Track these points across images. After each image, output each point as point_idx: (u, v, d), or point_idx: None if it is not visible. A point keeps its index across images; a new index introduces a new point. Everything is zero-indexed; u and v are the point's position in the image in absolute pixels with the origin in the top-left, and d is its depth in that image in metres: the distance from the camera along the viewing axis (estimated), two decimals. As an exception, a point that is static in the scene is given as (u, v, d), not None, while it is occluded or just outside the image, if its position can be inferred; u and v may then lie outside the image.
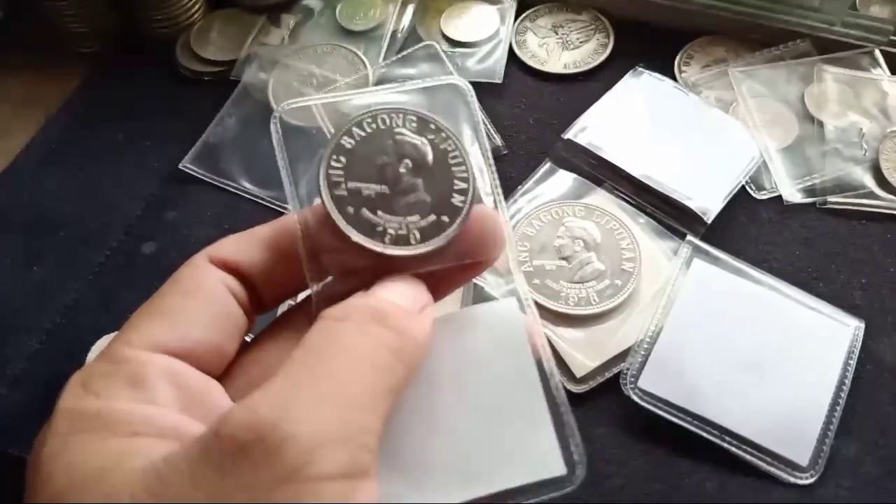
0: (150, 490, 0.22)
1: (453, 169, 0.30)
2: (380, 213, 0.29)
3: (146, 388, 0.25)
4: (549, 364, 0.29)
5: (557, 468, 0.28)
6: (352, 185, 0.29)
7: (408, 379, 0.27)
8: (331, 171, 0.29)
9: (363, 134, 0.29)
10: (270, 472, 0.21)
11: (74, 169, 0.54)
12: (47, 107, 0.58)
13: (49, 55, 0.61)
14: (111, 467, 0.23)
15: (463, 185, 0.29)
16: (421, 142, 0.30)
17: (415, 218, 0.29)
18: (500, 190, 0.31)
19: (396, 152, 0.30)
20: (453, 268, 0.29)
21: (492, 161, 0.31)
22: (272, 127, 0.31)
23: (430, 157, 0.30)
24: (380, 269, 0.29)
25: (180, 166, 0.53)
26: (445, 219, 0.29)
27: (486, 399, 0.29)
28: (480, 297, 0.36)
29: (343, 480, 0.22)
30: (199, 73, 0.58)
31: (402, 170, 0.29)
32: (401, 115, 0.30)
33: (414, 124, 0.30)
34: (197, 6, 0.60)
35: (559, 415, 0.29)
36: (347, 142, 0.29)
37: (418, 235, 0.29)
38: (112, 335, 0.44)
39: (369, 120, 0.30)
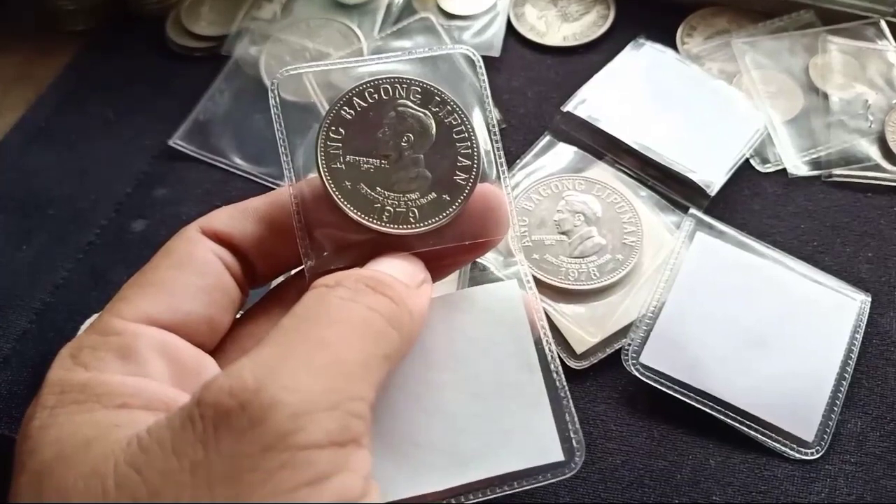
0: (132, 461, 0.21)
1: (457, 145, 0.29)
2: (378, 188, 0.28)
3: (136, 360, 0.25)
4: (550, 347, 0.29)
5: (555, 454, 0.28)
6: (350, 158, 0.28)
7: (404, 348, 0.26)
8: (329, 143, 0.28)
9: (364, 105, 0.29)
10: (254, 439, 0.21)
11: (65, 147, 0.53)
12: (37, 85, 0.57)
13: (39, 33, 0.60)
14: (97, 438, 0.22)
15: (467, 163, 0.28)
16: (424, 114, 0.29)
17: (415, 195, 0.28)
18: (505, 168, 0.30)
19: (398, 125, 0.29)
20: (454, 247, 0.29)
21: (498, 137, 0.30)
22: (270, 94, 0.30)
23: (433, 131, 0.29)
24: (377, 246, 0.28)
25: (171, 143, 0.52)
26: (447, 197, 0.28)
27: (484, 381, 0.28)
28: (480, 276, 0.35)
29: (332, 448, 0.21)
30: (189, 48, 0.57)
31: (403, 144, 0.29)
32: (405, 86, 0.29)
33: (418, 96, 0.29)
34: (188, -19, 0.59)
35: (558, 399, 0.29)
36: (347, 112, 0.29)
37: (417, 213, 0.28)
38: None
39: (371, 90, 0.29)
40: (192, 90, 0.54)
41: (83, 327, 0.44)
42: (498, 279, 0.32)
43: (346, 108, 0.29)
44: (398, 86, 0.29)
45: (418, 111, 0.29)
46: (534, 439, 0.28)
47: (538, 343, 0.29)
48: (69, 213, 0.50)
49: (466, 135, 0.29)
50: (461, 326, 0.29)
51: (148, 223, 0.49)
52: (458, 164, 0.29)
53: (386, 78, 0.29)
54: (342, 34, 0.55)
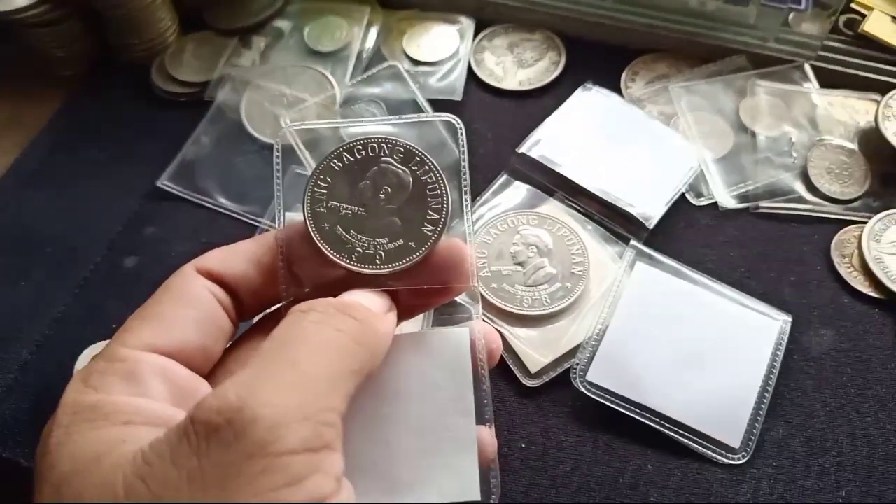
0: (137, 472, 0.24)
1: (429, 200, 0.32)
2: (353, 231, 0.31)
3: (140, 382, 0.28)
4: (487, 394, 0.32)
5: (474, 494, 0.31)
6: (332, 203, 0.32)
7: (369, 363, 0.29)
8: (316, 189, 0.32)
9: (352, 159, 0.32)
10: (239, 449, 0.24)
11: (57, 188, 0.56)
12: (28, 129, 0.60)
13: (31, 79, 0.63)
14: (106, 453, 0.26)
15: (436, 216, 0.32)
16: (404, 171, 0.32)
17: (384, 240, 0.31)
18: (472, 227, 0.33)
19: (379, 179, 0.32)
20: (419, 293, 0.32)
21: (469, 199, 0.33)
22: (275, 148, 0.33)
23: (409, 186, 0.32)
24: (349, 284, 0.31)
25: (158, 184, 0.55)
26: (412, 244, 0.31)
27: (424, 419, 0.31)
28: (445, 314, 0.39)
29: (307, 454, 0.25)
30: (174, 94, 0.61)
31: (380, 195, 0.32)
32: (390, 146, 0.32)
33: (401, 155, 0.32)
34: (171, 30, 0.63)
35: (486, 445, 0.32)
36: (336, 164, 0.32)
37: (384, 256, 0.31)
38: (99, 345, 0.47)
39: (360, 147, 0.32)
40: (178, 134, 0.57)
41: (81, 358, 0.47)
42: (458, 318, 0.35)
43: (336, 160, 0.32)
44: (384, 145, 0.32)
45: (399, 168, 0.32)
46: (458, 478, 0.31)
47: (478, 390, 0.32)
48: (64, 251, 0.53)
49: (439, 192, 0.32)
50: (412, 366, 0.32)
51: (139, 260, 0.52)
52: (428, 217, 0.32)
53: (374, 137, 0.32)
54: (316, 81, 0.59)
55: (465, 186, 0.33)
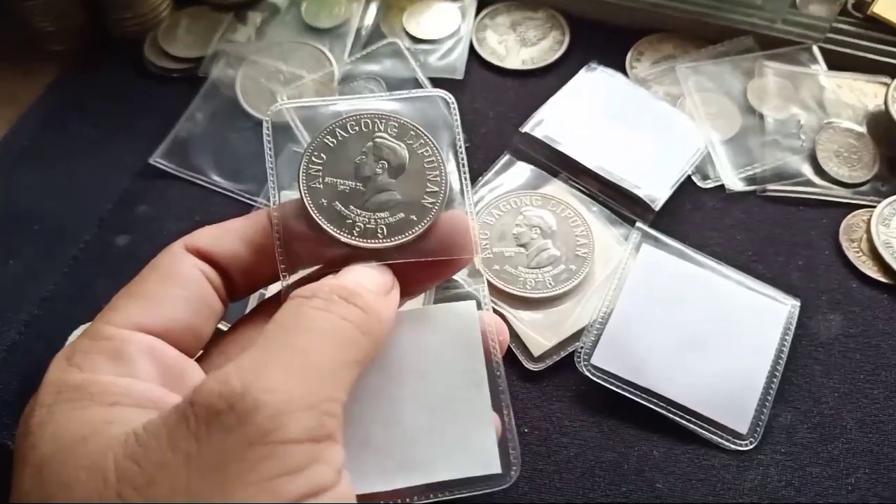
0: (130, 454, 0.24)
1: (427, 173, 0.31)
2: (352, 207, 0.31)
3: (126, 362, 0.27)
4: (499, 368, 0.31)
5: (493, 466, 0.30)
6: (329, 179, 0.31)
7: (373, 352, 0.29)
8: (311, 165, 0.31)
9: (346, 135, 0.31)
10: (241, 436, 0.23)
11: (48, 165, 0.55)
12: (20, 104, 0.58)
13: (21, 54, 0.62)
14: (93, 434, 0.24)
15: (435, 189, 0.31)
16: (399, 146, 0.32)
17: (384, 214, 0.31)
18: (472, 200, 0.33)
19: (374, 153, 0.31)
20: (422, 267, 0.31)
21: (467, 172, 0.32)
22: (264, 128, 0.32)
23: (406, 160, 0.32)
24: (349, 261, 0.30)
25: (151, 161, 0.54)
26: (414, 217, 0.31)
27: (435, 394, 0.31)
28: (447, 290, 0.38)
29: (309, 443, 0.24)
30: (167, 70, 0.59)
31: (377, 170, 0.31)
32: (383, 121, 0.32)
33: (395, 130, 0.32)
34: (164, 4, 0.61)
35: (502, 417, 0.31)
36: (330, 141, 0.31)
37: (385, 230, 0.30)
38: (88, 325, 0.46)
39: (352, 122, 0.32)
40: (171, 110, 0.56)
41: (70, 338, 0.46)
42: (463, 295, 0.34)
43: (329, 136, 0.31)
44: (377, 120, 0.32)
45: (394, 143, 0.32)
46: (476, 452, 0.30)
47: (489, 361, 0.31)
48: (54, 229, 0.52)
49: (436, 164, 0.32)
50: (419, 342, 0.31)
51: (130, 238, 0.51)
52: (427, 190, 0.31)
53: (367, 113, 0.32)
54: (314, 57, 0.58)
55: (462, 160, 0.33)
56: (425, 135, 0.32)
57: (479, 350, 0.31)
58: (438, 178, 0.31)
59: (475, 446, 0.30)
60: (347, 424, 0.26)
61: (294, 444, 0.24)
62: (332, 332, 0.27)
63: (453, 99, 0.33)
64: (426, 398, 0.31)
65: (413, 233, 0.31)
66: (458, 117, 0.33)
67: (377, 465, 0.29)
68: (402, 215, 0.31)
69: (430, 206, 0.31)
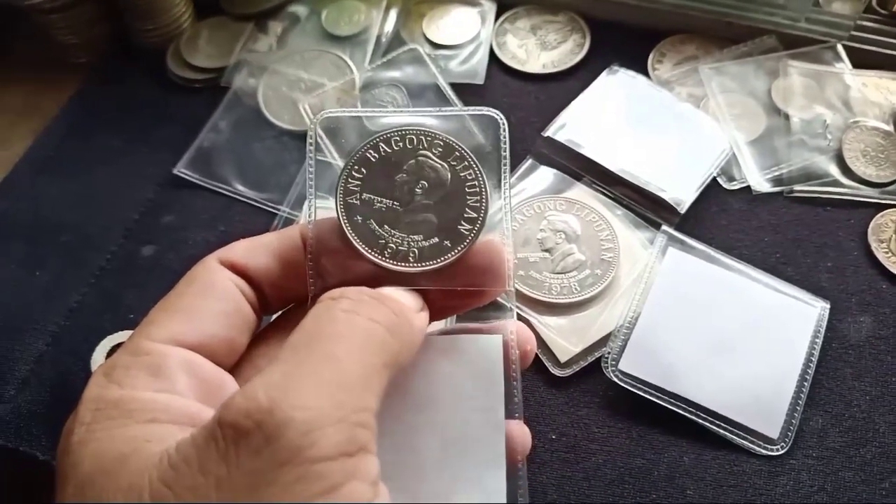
0: (163, 477, 0.23)
1: (468, 198, 0.30)
2: (386, 226, 0.30)
3: (165, 377, 0.27)
4: (519, 406, 0.30)
5: None
6: (366, 195, 0.30)
7: (403, 356, 0.28)
8: (350, 180, 0.30)
9: (388, 150, 0.30)
10: (271, 456, 0.22)
11: (73, 175, 0.55)
12: (44, 116, 0.59)
13: (45, 66, 0.62)
14: (132, 452, 0.24)
15: (473, 215, 0.30)
16: (442, 166, 0.30)
17: (418, 237, 0.30)
18: (510, 229, 0.31)
19: (416, 172, 0.30)
20: (451, 295, 0.30)
21: (510, 199, 0.31)
22: (308, 134, 0.31)
23: (447, 182, 0.30)
24: (379, 280, 0.30)
25: (175, 171, 0.54)
26: (448, 243, 0.30)
27: (452, 428, 0.30)
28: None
29: (342, 459, 0.23)
30: (190, 80, 0.60)
31: (417, 190, 0.30)
32: (429, 138, 0.31)
33: (440, 149, 0.30)
34: (186, 15, 0.62)
35: (514, 462, 0.30)
36: (372, 155, 0.30)
37: (417, 254, 0.30)
38: (116, 335, 0.46)
39: (397, 138, 0.31)
40: (194, 120, 0.57)
41: (98, 349, 0.46)
42: (492, 316, 0.33)
43: (371, 150, 0.30)
44: (423, 137, 0.31)
45: (437, 162, 0.30)
46: (484, 494, 0.29)
47: (509, 402, 0.30)
48: (80, 240, 0.52)
49: (478, 189, 0.30)
50: (441, 371, 0.30)
51: (156, 248, 0.51)
52: (465, 216, 0.30)
53: (412, 129, 0.31)
54: (335, 65, 0.58)
55: (506, 185, 0.31)
56: (470, 156, 0.30)
57: (500, 388, 0.30)
58: (478, 204, 0.30)
59: (484, 488, 0.29)
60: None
61: (328, 462, 0.23)
62: (360, 335, 0.26)
63: (504, 119, 0.32)
64: (443, 430, 0.30)
65: (445, 259, 0.30)
66: (507, 137, 0.32)
67: (390, 494, 0.28)
68: (436, 240, 0.30)
69: (467, 232, 0.30)
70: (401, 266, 0.30)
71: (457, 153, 0.31)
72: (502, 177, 0.31)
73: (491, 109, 0.32)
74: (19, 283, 0.50)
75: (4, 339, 0.47)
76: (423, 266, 0.30)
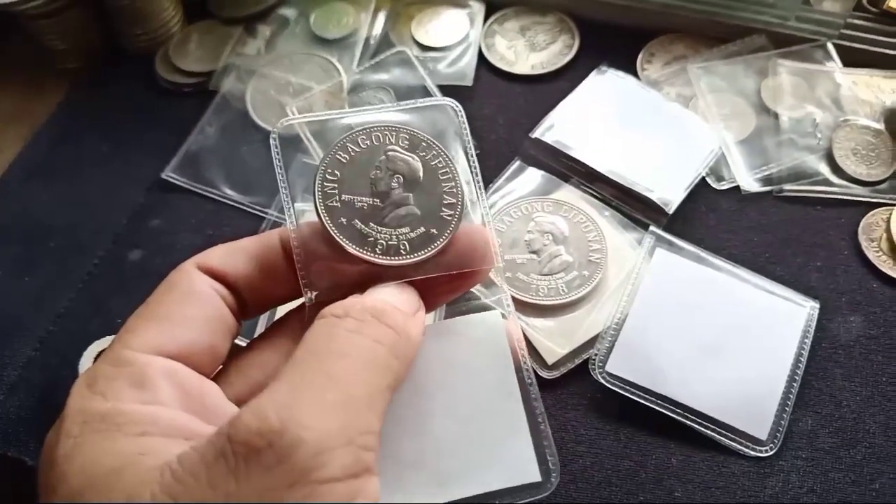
0: (168, 490, 0.23)
1: (443, 184, 0.31)
2: (371, 224, 0.30)
3: (149, 388, 0.26)
4: (529, 375, 0.31)
5: (533, 474, 0.30)
6: (345, 197, 0.30)
7: (403, 375, 0.28)
8: (325, 183, 0.30)
9: (357, 150, 0.31)
10: (282, 475, 0.23)
11: (62, 180, 0.55)
12: (33, 121, 0.59)
13: (34, 71, 0.62)
14: (125, 466, 0.24)
15: (452, 200, 0.31)
16: (412, 158, 0.31)
17: (405, 230, 0.30)
18: (487, 205, 0.32)
19: (388, 167, 0.31)
20: (443, 281, 0.31)
21: (480, 178, 0.32)
22: (271, 143, 0.32)
23: (420, 172, 0.31)
24: (371, 278, 0.30)
25: (163, 175, 0.54)
26: (434, 231, 0.30)
27: (468, 406, 0.30)
28: (465, 303, 0.38)
29: (349, 480, 0.24)
30: (178, 84, 0.60)
31: (393, 184, 0.31)
32: (394, 133, 0.31)
33: (406, 142, 0.31)
34: (175, 20, 0.62)
35: (536, 424, 0.31)
36: (342, 157, 0.31)
37: (408, 246, 0.30)
38: (104, 340, 0.46)
39: (363, 136, 0.31)
40: (182, 124, 0.57)
41: (85, 354, 0.46)
42: (479, 306, 0.34)
43: (341, 152, 0.31)
44: (388, 133, 0.31)
45: (407, 155, 0.31)
46: (513, 461, 0.30)
47: (519, 370, 0.31)
48: (69, 244, 0.52)
49: (451, 175, 0.31)
50: (447, 355, 0.31)
51: (144, 253, 0.51)
52: (444, 202, 0.31)
53: (377, 126, 0.31)
54: (323, 68, 0.58)
55: (475, 167, 0.32)
56: (437, 145, 0.31)
57: (509, 359, 0.31)
58: (454, 189, 0.31)
59: (512, 455, 0.30)
60: (381, 443, 0.26)
61: (335, 483, 0.24)
62: (365, 357, 0.27)
63: (460, 106, 0.33)
64: (458, 410, 0.30)
65: (435, 247, 0.30)
66: (466, 124, 0.33)
67: (412, 482, 0.29)
68: (422, 230, 0.30)
69: (449, 218, 0.31)
70: (394, 260, 0.30)
71: (423, 143, 0.31)
72: (470, 160, 0.32)
73: (446, 99, 0.34)
74: (8, 287, 0.50)
75: (-7, 344, 0.47)
76: (415, 257, 0.30)
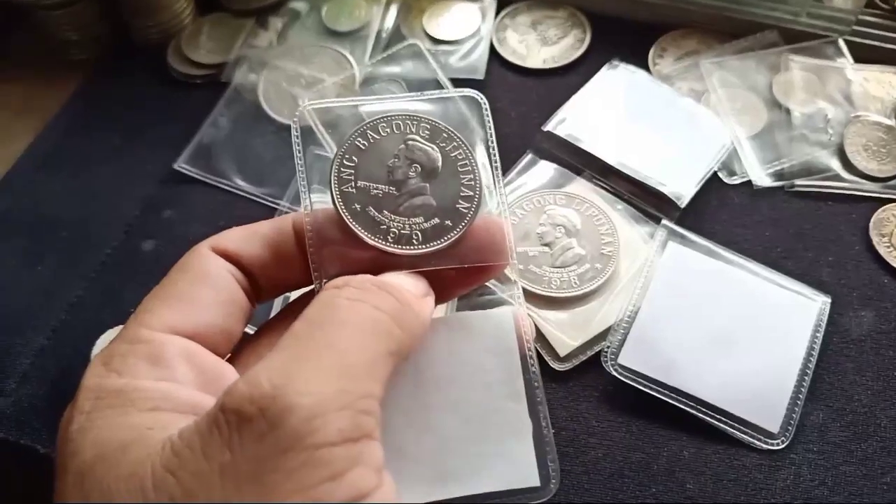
0: (166, 464, 0.23)
1: (461, 177, 0.30)
2: (385, 212, 0.30)
3: (165, 366, 0.26)
4: (537, 378, 0.31)
5: (532, 479, 0.29)
6: (361, 183, 0.30)
7: (408, 345, 0.28)
8: (342, 169, 0.30)
9: (377, 137, 0.31)
10: (274, 442, 0.22)
11: (73, 172, 0.56)
12: (45, 113, 0.59)
13: (45, 63, 0.63)
14: (134, 441, 0.24)
15: (469, 193, 0.30)
16: (432, 148, 0.31)
17: (419, 220, 0.30)
18: (506, 203, 0.32)
19: (407, 156, 0.31)
20: (457, 273, 0.30)
21: (500, 174, 0.32)
22: (292, 126, 0.32)
23: (439, 163, 0.31)
24: (383, 266, 0.30)
25: (175, 166, 0.54)
26: (449, 223, 0.30)
27: (472, 405, 0.30)
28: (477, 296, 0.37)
29: (346, 445, 0.23)
30: (190, 76, 0.60)
31: (411, 173, 0.30)
32: (415, 122, 0.31)
33: (427, 132, 0.31)
34: (186, 11, 0.62)
35: (540, 428, 0.30)
36: (361, 143, 0.30)
37: (420, 236, 0.30)
38: (116, 329, 0.46)
39: (384, 124, 0.31)
40: (194, 116, 0.57)
41: (98, 343, 0.46)
42: (496, 301, 0.34)
43: (360, 139, 0.30)
44: (409, 122, 0.31)
45: (426, 145, 0.31)
46: (514, 464, 0.29)
47: (526, 371, 0.30)
48: (81, 235, 0.52)
49: (470, 168, 0.31)
50: (454, 350, 0.31)
51: (157, 243, 0.51)
52: (462, 194, 0.30)
53: (398, 114, 0.31)
54: (335, 60, 0.58)
55: (495, 162, 0.32)
56: (458, 137, 0.31)
57: (516, 359, 0.31)
58: (472, 182, 0.31)
59: (513, 458, 0.29)
60: (383, 432, 0.26)
61: (331, 448, 0.23)
62: (364, 322, 0.26)
63: (485, 99, 0.33)
64: (462, 407, 0.30)
65: (448, 239, 0.30)
66: (490, 118, 0.32)
67: (413, 476, 0.29)
68: (436, 220, 0.30)
69: (465, 210, 0.30)
70: (405, 249, 0.30)
71: (444, 134, 0.31)
72: (491, 154, 0.32)
73: (472, 91, 0.33)
74: (20, 278, 0.50)
75: (5, 333, 0.47)
76: (427, 247, 0.30)
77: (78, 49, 0.62)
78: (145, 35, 0.62)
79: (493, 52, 0.60)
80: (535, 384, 0.30)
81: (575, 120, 0.52)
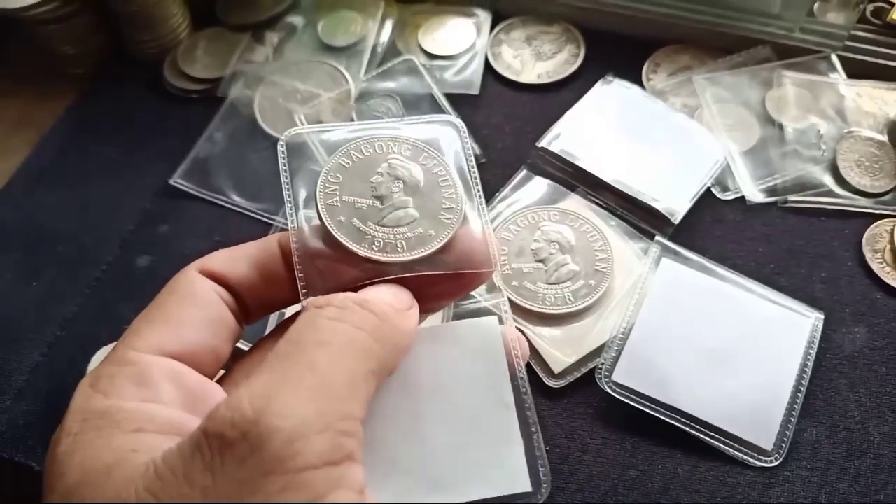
0: (149, 487, 0.23)
1: (443, 191, 0.32)
2: (370, 223, 0.31)
3: (151, 387, 0.27)
4: (524, 384, 0.31)
5: (523, 485, 0.29)
6: (346, 197, 0.31)
7: (389, 362, 0.28)
8: (327, 185, 0.31)
9: (360, 156, 0.32)
10: (256, 466, 0.23)
11: (69, 186, 0.56)
12: (40, 127, 0.59)
13: (42, 77, 0.63)
14: (118, 463, 0.24)
15: (451, 205, 0.31)
16: (413, 165, 0.32)
17: (403, 229, 0.31)
18: (487, 214, 0.33)
19: (390, 173, 0.32)
20: (441, 282, 0.31)
21: (481, 191, 0.33)
22: (279, 150, 0.33)
23: (421, 178, 0.32)
24: (368, 279, 0.30)
25: (171, 181, 0.54)
26: (432, 232, 0.31)
27: (461, 412, 0.30)
28: (464, 306, 0.38)
29: (327, 468, 0.23)
30: (186, 90, 0.60)
31: (394, 188, 0.31)
32: (397, 143, 0.32)
33: (408, 151, 0.32)
34: (183, 26, 0.62)
35: (529, 434, 0.30)
36: (345, 162, 0.32)
37: (405, 244, 0.30)
38: (111, 346, 0.46)
39: (366, 145, 0.32)
40: (190, 130, 0.57)
41: (93, 360, 0.46)
42: (482, 311, 0.34)
43: (344, 158, 0.32)
44: (391, 142, 0.32)
45: (408, 163, 0.32)
46: (504, 470, 0.29)
47: (514, 378, 0.31)
48: (76, 251, 0.52)
49: (451, 183, 0.32)
50: (442, 359, 0.31)
51: (152, 259, 0.51)
52: (444, 206, 0.31)
53: (381, 136, 0.32)
54: (331, 76, 0.58)
55: (476, 179, 0.33)
56: (437, 155, 0.32)
57: (504, 366, 0.31)
58: (454, 195, 0.32)
59: (503, 464, 0.30)
60: (372, 444, 0.26)
61: (313, 471, 0.23)
62: (344, 343, 0.26)
63: (463, 125, 0.34)
64: (451, 416, 0.30)
65: (433, 246, 0.31)
66: (469, 142, 0.34)
67: (402, 485, 0.29)
68: (420, 230, 0.31)
69: (448, 221, 0.31)
70: (390, 256, 0.30)
71: (425, 153, 0.32)
72: (470, 170, 0.33)
73: (450, 116, 0.35)
74: (15, 293, 0.50)
75: (0, 349, 0.47)
76: (412, 254, 0.30)
77: (75, 63, 0.62)
78: (142, 49, 0.62)
79: (487, 67, 0.60)
80: (524, 390, 0.31)
81: (569, 136, 0.53)
